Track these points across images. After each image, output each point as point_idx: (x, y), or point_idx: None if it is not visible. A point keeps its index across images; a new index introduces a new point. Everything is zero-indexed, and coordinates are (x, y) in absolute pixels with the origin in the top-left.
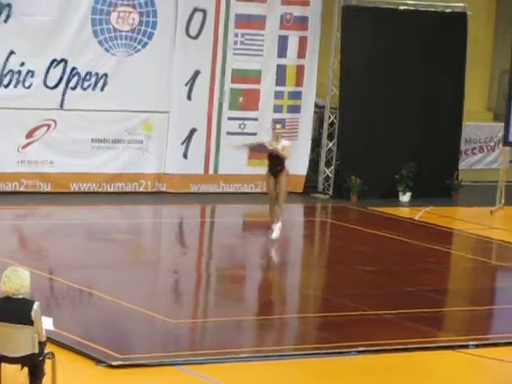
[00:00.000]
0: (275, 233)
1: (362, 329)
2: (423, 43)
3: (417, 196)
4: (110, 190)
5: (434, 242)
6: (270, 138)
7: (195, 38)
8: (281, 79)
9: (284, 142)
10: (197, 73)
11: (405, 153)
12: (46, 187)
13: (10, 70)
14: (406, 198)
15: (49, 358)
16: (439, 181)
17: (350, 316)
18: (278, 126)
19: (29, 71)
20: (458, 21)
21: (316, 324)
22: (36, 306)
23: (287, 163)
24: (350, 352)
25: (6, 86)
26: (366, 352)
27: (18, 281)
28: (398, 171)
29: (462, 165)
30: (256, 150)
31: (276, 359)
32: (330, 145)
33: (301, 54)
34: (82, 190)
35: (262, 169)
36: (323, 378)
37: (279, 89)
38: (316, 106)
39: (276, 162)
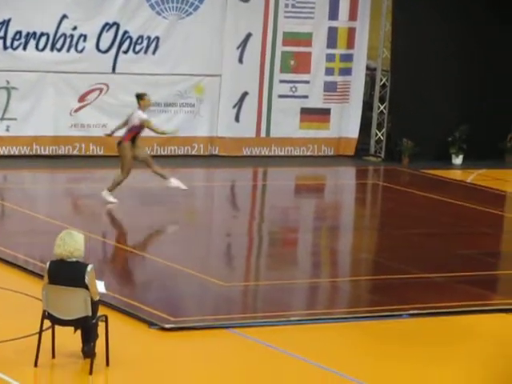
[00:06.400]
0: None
1: (414, 292)
2: (478, 3)
3: (469, 158)
4: (162, 153)
5: (487, 205)
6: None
7: (246, 0)
8: (332, 42)
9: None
10: (248, 36)
11: (457, 115)
12: (99, 151)
13: (63, 34)
14: (458, 160)
15: (102, 320)
16: (492, 143)
17: (402, 279)
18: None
19: (81, 35)
20: None
21: (368, 287)
22: (90, 268)
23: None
24: (401, 315)
25: (59, 50)
26: (418, 315)
27: (73, 243)
28: (451, 133)
29: None
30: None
31: (328, 322)
32: (382, 107)
33: (352, 16)
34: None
35: (314, 132)
36: (375, 341)
37: (331, 51)
38: (367, 68)
39: None
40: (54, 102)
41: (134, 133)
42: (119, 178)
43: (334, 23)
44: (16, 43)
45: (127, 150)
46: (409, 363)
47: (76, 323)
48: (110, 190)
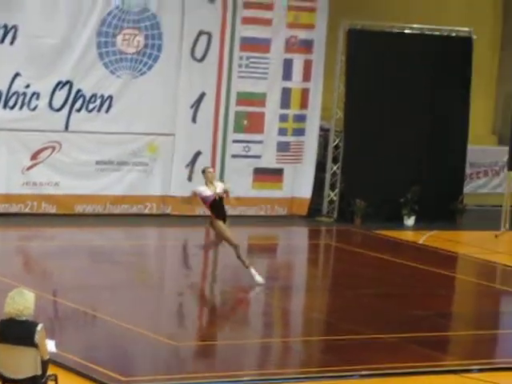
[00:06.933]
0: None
1: (365, 352)
2: (428, 67)
3: (421, 220)
4: (114, 211)
5: (439, 266)
6: (203, 185)
7: (200, 60)
8: (286, 102)
9: (221, 185)
10: (202, 95)
11: (409, 176)
12: (51, 209)
13: (16, 92)
14: (410, 221)
15: (52, 380)
16: (444, 205)
17: (353, 340)
18: (211, 169)
19: (34, 93)
20: (463, 45)
21: (319, 347)
22: (39, 327)
23: None
24: (353, 376)
25: (12, 108)
26: (369, 376)
27: (23, 302)
28: (403, 195)
29: (467, 189)
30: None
31: (280, 382)
32: (335, 168)
33: (306, 76)
34: (86, 211)
35: (268, 191)
36: None
37: (284, 112)
38: (321, 129)
39: (223, 206)
40: (6, 160)
41: (211, 207)
42: (236, 250)
43: (287, 84)
44: None
45: (218, 225)
46: None
47: (25, 382)
48: (247, 266)
